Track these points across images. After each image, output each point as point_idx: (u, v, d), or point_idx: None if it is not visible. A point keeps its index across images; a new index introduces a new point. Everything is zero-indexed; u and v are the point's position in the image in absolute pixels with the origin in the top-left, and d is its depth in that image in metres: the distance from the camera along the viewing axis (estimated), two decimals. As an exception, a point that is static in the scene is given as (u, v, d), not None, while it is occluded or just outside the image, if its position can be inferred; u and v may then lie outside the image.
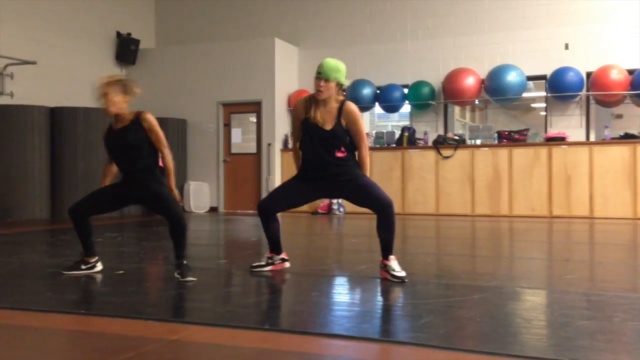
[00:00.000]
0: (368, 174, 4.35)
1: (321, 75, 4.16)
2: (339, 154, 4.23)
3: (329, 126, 4.21)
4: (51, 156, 10.64)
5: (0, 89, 10.47)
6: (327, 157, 4.21)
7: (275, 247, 4.53)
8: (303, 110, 4.31)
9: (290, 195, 4.44)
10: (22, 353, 2.62)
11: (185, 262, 4.22)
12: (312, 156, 4.30)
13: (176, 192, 4.36)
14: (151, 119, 4.30)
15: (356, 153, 4.37)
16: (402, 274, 4.08)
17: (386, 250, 4.19)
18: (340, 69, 4.18)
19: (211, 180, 12.46)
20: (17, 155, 10.18)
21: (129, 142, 4.25)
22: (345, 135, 4.24)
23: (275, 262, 4.52)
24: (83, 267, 4.43)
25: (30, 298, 3.71)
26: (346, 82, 4.25)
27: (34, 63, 10.62)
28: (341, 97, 4.30)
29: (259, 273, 4.46)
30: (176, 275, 4.16)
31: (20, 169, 10.20)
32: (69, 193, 10.59)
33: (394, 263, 4.15)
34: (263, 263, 4.54)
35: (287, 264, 4.57)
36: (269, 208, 4.41)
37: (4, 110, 10.19)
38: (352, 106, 4.27)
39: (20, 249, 6.43)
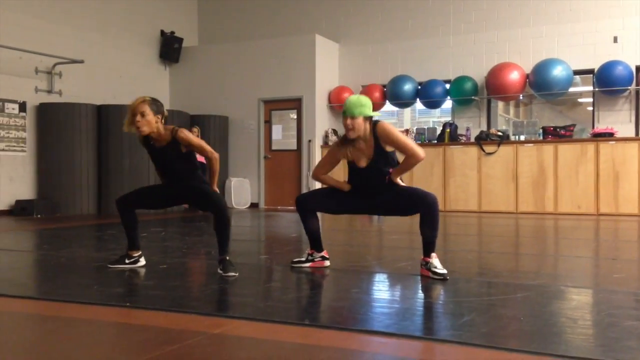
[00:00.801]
0: (401, 175, 4.25)
1: (346, 114, 4.14)
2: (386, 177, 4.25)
3: (365, 163, 4.23)
4: (98, 153, 10.92)
5: (49, 87, 10.79)
6: (376, 185, 4.27)
7: (316, 244, 4.54)
8: (341, 151, 4.35)
9: (334, 200, 4.42)
10: (70, 344, 2.70)
11: (228, 257, 4.28)
12: (361, 185, 4.36)
13: (217, 191, 4.44)
14: (186, 135, 4.31)
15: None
16: (444, 271, 4.05)
17: (428, 248, 4.16)
18: (364, 103, 4.13)
19: (252, 177, 12.57)
20: (65, 152, 10.47)
21: (170, 160, 4.37)
22: (387, 162, 4.22)
23: (315, 259, 4.53)
24: (127, 261, 4.54)
25: (77, 291, 3.81)
26: (374, 114, 4.19)
27: (81, 62, 10.90)
28: (369, 125, 4.20)
29: (299, 269, 4.48)
30: (219, 270, 4.22)
31: (68, 165, 10.49)
32: (115, 189, 10.83)
33: (435, 260, 4.11)
34: (303, 259, 4.57)
35: (327, 263, 4.56)
36: (305, 203, 4.43)
37: (53, 108, 10.49)
38: (381, 126, 4.18)
39: (68, 243, 6.61)
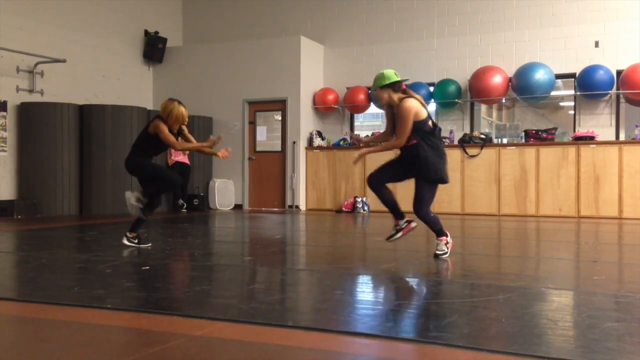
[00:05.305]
0: (384, 147, 5.06)
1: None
2: (410, 142, 4.84)
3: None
4: (80, 153, 10.81)
5: (30, 87, 10.67)
6: (406, 144, 4.88)
7: (397, 212, 5.00)
8: (388, 111, 5.09)
9: (393, 170, 5.01)
10: (50, 346, 2.67)
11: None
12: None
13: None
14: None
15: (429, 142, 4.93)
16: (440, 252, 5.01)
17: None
18: (378, 77, 4.86)
19: (236, 178, 12.53)
20: (47, 152, 10.36)
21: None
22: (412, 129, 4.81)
23: (403, 227, 4.99)
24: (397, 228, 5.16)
25: (58, 293, 3.77)
26: (392, 80, 4.81)
27: (63, 61, 10.79)
28: (402, 96, 4.87)
29: (394, 240, 5.10)
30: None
31: (50, 165, 10.38)
32: (97, 190, 10.75)
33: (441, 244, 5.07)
34: (394, 232, 5.03)
35: (414, 224, 5.01)
36: (373, 178, 4.98)
37: (34, 108, 10.38)
38: (401, 104, 4.82)
39: (49, 244, 6.54)
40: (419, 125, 4.82)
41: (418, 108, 4.83)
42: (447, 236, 5.14)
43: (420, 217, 4.98)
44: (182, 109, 5.60)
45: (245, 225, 9.06)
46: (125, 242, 5.66)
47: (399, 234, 5.01)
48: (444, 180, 4.95)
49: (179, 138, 5.74)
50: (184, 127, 5.75)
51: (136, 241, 5.69)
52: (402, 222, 5.01)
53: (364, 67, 12.23)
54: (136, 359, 2.41)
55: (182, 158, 8.31)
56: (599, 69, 10.19)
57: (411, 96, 4.90)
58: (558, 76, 10.70)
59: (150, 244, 5.79)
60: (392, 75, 4.86)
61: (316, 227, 8.95)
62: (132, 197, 5.57)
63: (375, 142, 5.35)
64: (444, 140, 11.14)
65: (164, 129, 5.50)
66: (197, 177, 12.16)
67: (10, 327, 3.11)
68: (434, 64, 11.73)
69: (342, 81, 12.37)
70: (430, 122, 4.90)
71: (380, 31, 12.22)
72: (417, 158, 4.87)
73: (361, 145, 5.35)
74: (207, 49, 13.00)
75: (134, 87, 12.80)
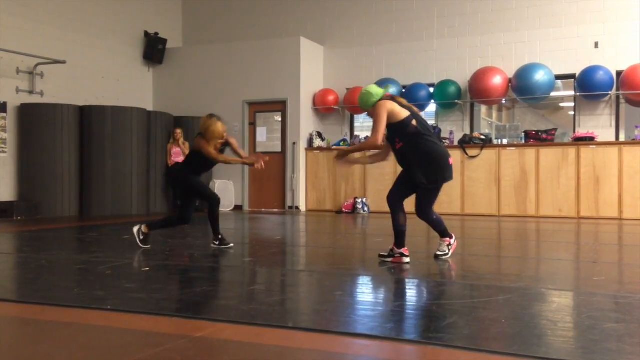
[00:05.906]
0: (359, 147, 5.18)
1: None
2: (397, 146, 4.86)
3: None
4: (80, 154, 10.81)
5: (30, 88, 10.67)
6: (395, 150, 4.93)
7: (397, 241, 4.85)
8: None
9: (403, 181, 4.93)
10: (50, 348, 2.67)
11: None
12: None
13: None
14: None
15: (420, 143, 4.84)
16: (439, 253, 5.03)
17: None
18: (365, 96, 4.86)
19: (236, 179, 12.53)
20: (47, 153, 10.36)
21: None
22: (393, 131, 4.81)
23: (395, 255, 4.87)
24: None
25: (58, 294, 3.77)
26: (378, 96, 4.83)
27: (63, 62, 10.80)
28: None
29: (384, 262, 4.87)
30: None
31: (50, 166, 10.38)
32: (97, 191, 10.75)
33: (443, 245, 5.06)
34: (386, 255, 4.94)
35: (406, 260, 4.83)
36: (393, 195, 4.90)
37: (34, 109, 10.38)
38: (375, 106, 4.85)
39: (49, 245, 6.54)
40: (400, 126, 4.76)
41: (393, 108, 4.76)
42: (451, 238, 5.10)
43: (422, 219, 4.96)
44: (219, 124, 5.82)
45: (245, 226, 9.06)
46: (135, 231, 5.80)
47: (389, 259, 4.87)
48: (436, 182, 4.81)
49: (226, 151, 6.14)
50: (233, 142, 6.07)
51: (142, 238, 5.77)
52: (397, 251, 4.85)
53: (364, 68, 12.24)
54: (136, 360, 2.41)
55: (182, 159, 8.35)
56: (599, 70, 10.20)
57: (395, 101, 4.87)
58: (558, 77, 10.71)
59: (149, 245, 5.80)
60: (377, 89, 4.89)
61: (316, 228, 8.95)
62: (135, 228, 5.82)
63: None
64: (443, 140, 11.15)
65: (205, 144, 5.79)
66: (197, 178, 12.15)
67: (10, 328, 3.11)
68: (434, 65, 11.74)
69: (342, 82, 12.38)
70: (414, 122, 4.76)
71: (380, 32, 12.23)
72: (404, 163, 4.89)
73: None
74: (207, 50, 13.00)
75: (134, 88, 12.80)
